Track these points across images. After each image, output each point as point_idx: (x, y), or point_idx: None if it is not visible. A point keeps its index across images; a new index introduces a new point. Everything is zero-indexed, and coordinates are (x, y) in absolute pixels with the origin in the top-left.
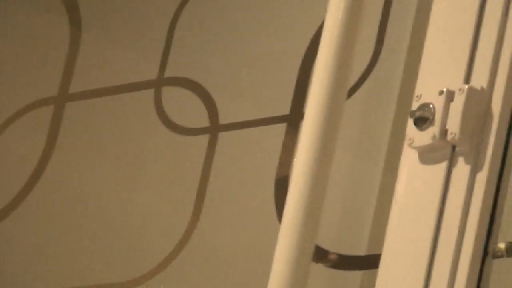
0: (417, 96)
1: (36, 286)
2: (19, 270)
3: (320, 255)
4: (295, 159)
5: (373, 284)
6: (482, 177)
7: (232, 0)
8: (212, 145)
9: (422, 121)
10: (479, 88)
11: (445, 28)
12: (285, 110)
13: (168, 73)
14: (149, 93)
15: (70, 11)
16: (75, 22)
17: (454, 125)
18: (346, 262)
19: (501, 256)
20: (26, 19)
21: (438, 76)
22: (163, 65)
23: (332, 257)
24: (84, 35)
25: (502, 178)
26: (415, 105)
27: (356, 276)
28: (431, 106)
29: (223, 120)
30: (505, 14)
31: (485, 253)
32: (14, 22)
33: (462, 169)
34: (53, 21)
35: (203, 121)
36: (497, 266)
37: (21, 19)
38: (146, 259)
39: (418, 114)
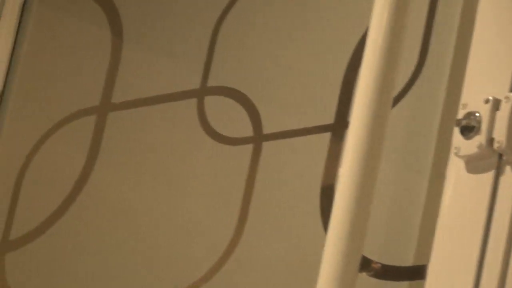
0: (463, 104)
1: None
2: (64, 277)
3: (363, 264)
4: (340, 168)
5: None
6: None
7: (275, 8)
8: (256, 155)
9: (468, 130)
10: None
11: (490, 36)
12: (330, 119)
13: (211, 82)
14: (192, 102)
15: (111, 21)
16: (117, 32)
17: (500, 134)
18: (391, 272)
19: None
20: (68, 30)
21: (484, 84)
22: (205, 75)
23: (376, 266)
24: (125, 45)
25: None
26: (461, 114)
27: (401, 286)
28: (477, 114)
29: (267, 129)
30: None
31: None
32: (56, 32)
33: (509, 178)
34: (94, 31)
35: (247, 131)
36: None
37: (63, 30)
38: (191, 270)
39: (464, 122)
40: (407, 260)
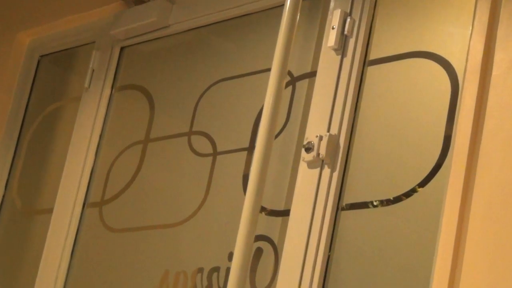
0: (306, 138)
1: None
2: None
3: None
4: None
5: None
6: None
7: None
8: None
9: (308, 150)
10: None
11: (318, 100)
12: None
13: None
14: None
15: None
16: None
17: (322, 151)
18: None
19: None
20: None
21: (316, 128)
22: None
23: None
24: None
25: None
26: (305, 142)
27: None
28: (313, 142)
29: None
30: None
31: None
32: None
33: (326, 171)
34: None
35: None
36: None
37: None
38: None
39: (306, 146)
40: None
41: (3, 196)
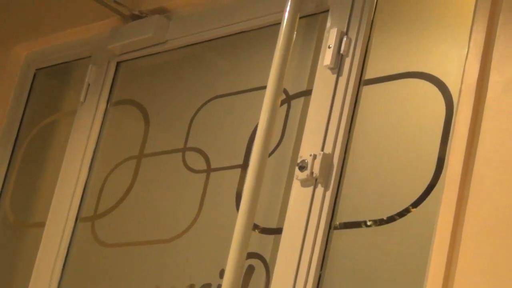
0: (300, 156)
1: None
2: None
3: None
4: None
5: None
6: None
7: None
8: None
9: (302, 168)
10: None
11: (311, 122)
12: None
13: None
14: None
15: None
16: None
17: (316, 169)
18: None
19: None
20: None
21: (310, 147)
22: None
23: None
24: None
25: None
26: (299, 160)
27: None
28: (306, 161)
29: None
30: None
31: None
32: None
33: (320, 189)
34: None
35: None
36: None
37: None
38: None
39: (300, 164)
40: None
41: None
